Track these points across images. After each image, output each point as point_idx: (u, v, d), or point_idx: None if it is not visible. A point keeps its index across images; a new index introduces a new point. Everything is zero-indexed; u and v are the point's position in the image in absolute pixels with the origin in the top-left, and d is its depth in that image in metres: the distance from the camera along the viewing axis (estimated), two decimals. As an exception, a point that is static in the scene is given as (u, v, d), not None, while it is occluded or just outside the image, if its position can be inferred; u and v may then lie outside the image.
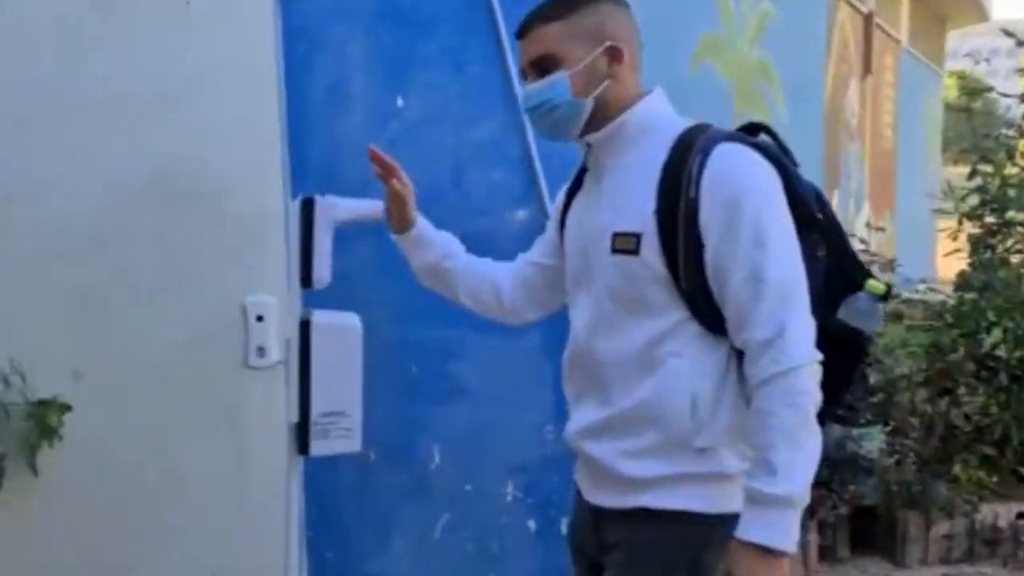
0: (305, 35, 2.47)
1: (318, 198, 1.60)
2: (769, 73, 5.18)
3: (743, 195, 1.26)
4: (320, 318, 1.58)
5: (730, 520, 1.25)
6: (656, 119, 1.36)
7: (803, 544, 3.54)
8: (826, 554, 3.72)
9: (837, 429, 3.46)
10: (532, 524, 2.83)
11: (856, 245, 1.85)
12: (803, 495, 1.23)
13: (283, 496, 1.63)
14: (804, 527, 2.61)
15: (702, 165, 1.25)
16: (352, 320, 1.64)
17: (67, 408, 2.27)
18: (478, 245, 2.69)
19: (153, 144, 2.28)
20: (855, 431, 3.65)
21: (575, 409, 1.44)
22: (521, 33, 1.37)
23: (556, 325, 2.76)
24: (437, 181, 2.65)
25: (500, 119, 2.69)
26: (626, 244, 1.29)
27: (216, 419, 1.93)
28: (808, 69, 6.46)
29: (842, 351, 1.31)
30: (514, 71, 2.64)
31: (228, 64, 2.32)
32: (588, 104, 1.33)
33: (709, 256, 1.26)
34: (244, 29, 2.35)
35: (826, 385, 1.25)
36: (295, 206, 1.59)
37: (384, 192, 1.72)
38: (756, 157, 1.29)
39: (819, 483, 2.88)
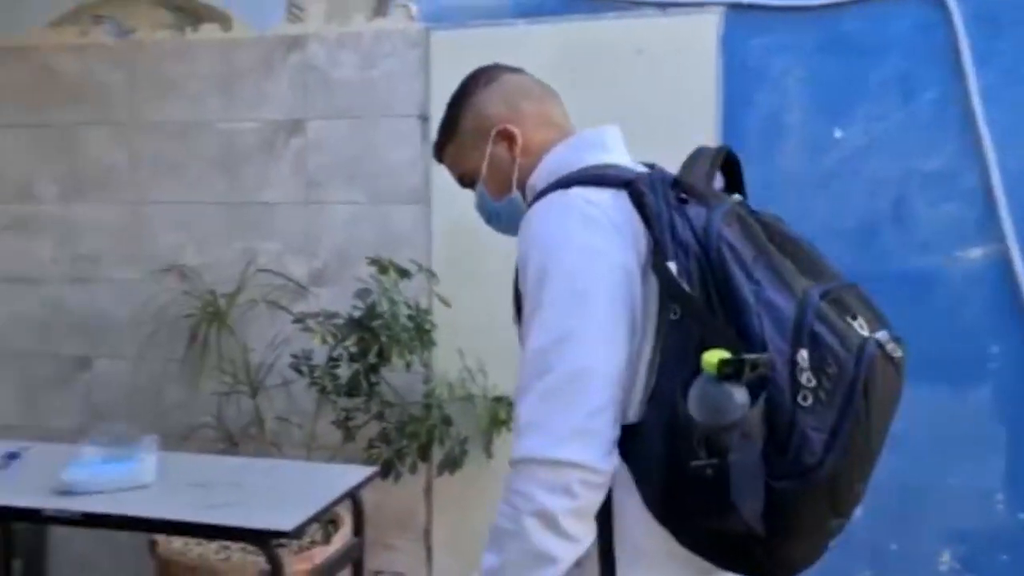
0: (746, 71, 2.55)
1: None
2: None
3: (528, 252, 1.06)
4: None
5: None
6: (550, 174, 1.15)
7: None
8: None
9: None
10: (968, 601, 2.51)
11: None
12: None
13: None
14: None
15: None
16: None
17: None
18: (920, 285, 2.51)
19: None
20: None
21: None
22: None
23: (1009, 382, 2.46)
24: (877, 214, 2.53)
25: (953, 147, 2.46)
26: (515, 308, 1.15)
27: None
28: None
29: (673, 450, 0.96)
30: (975, 96, 2.41)
31: (672, 102, 2.54)
32: (515, 195, 1.21)
33: None
34: (688, 71, 2.55)
35: (673, 498, 0.98)
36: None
37: None
38: (563, 201, 1.06)
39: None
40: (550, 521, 0.97)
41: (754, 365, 0.91)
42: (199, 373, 2.86)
